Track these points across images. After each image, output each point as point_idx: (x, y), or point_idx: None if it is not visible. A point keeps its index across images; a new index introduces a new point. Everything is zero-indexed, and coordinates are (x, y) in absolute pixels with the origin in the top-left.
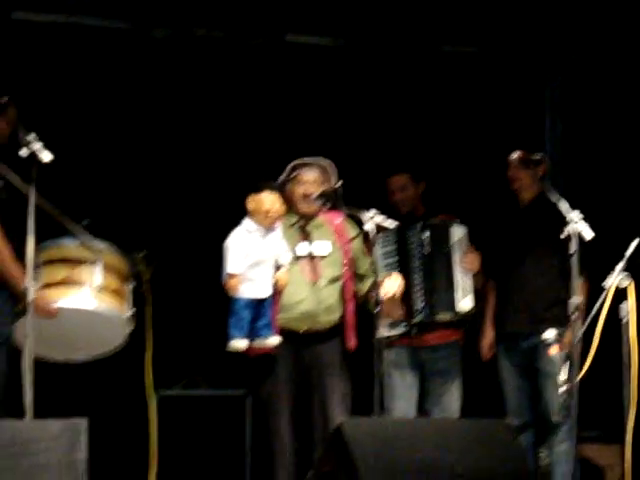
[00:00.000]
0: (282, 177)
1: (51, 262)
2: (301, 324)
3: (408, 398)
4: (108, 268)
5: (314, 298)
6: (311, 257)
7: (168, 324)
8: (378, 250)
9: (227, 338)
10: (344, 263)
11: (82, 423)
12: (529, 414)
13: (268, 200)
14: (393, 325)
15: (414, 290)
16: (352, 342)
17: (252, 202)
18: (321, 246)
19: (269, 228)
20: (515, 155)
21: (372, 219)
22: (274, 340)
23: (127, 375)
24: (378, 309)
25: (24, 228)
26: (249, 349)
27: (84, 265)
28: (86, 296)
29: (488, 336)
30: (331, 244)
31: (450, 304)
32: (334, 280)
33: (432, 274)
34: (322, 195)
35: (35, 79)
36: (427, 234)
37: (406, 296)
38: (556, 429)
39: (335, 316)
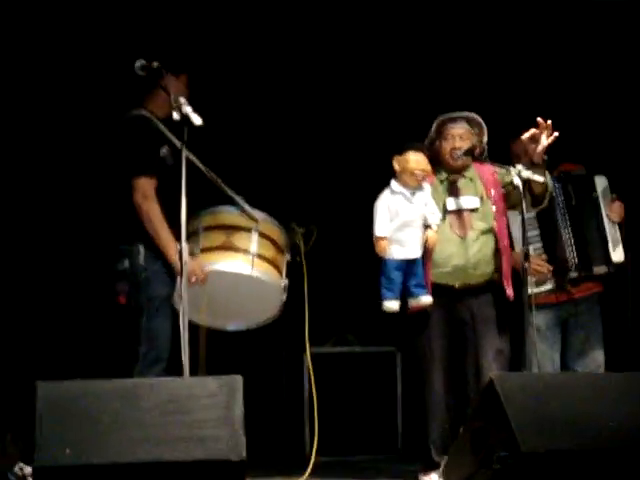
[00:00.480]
0: (431, 133)
1: (209, 228)
2: (454, 279)
3: (549, 358)
4: (265, 237)
5: (464, 253)
6: (460, 211)
7: (318, 282)
8: None
9: (379, 298)
10: (495, 215)
11: (238, 380)
12: None
13: (413, 160)
14: (539, 282)
15: (566, 244)
16: (509, 292)
17: (397, 163)
18: (470, 200)
19: (416, 188)
20: None
21: (520, 173)
22: (426, 299)
23: (282, 337)
24: (526, 265)
25: (189, 194)
26: (403, 307)
27: (242, 232)
28: (241, 261)
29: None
30: (480, 197)
31: (605, 256)
32: (485, 233)
33: (581, 227)
34: (468, 150)
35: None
36: (572, 186)
37: (559, 250)
38: None
39: (488, 269)
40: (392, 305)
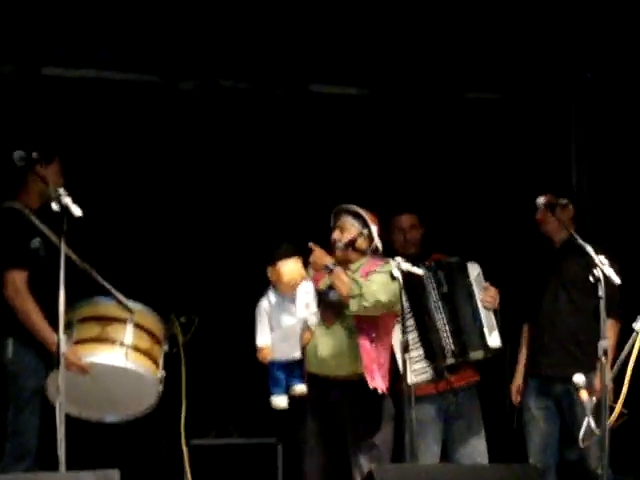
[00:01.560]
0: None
1: (84, 320)
2: (321, 369)
3: (432, 451)
4: (141, 328)
5: (328, 344)
6: (330, 304)
7: (199, 373)
8: None
9: (267, 393)
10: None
11: (114, 475)
12: (552, 458)
13: (286, 270)
14: (420, 372)
15: (440, 332)
16: (372, 385)
17: (271, 273)
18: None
19: (294, 293)
20: (542, 199)
21: (399, 266)
22: (300, 388)
23: (160, 428)
24: (406, 356)
25: (52, 281)
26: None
27: (116, 323)
28: (117, 353)
29: (518, 380)
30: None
31: (481, 342)
32: (349, 328)
33: (456, 313)
34: (349, 243)
35: (64, 134)
36: (443, 273)
37: (430, 339)
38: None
39: (349, 363)
40: (280, 401)
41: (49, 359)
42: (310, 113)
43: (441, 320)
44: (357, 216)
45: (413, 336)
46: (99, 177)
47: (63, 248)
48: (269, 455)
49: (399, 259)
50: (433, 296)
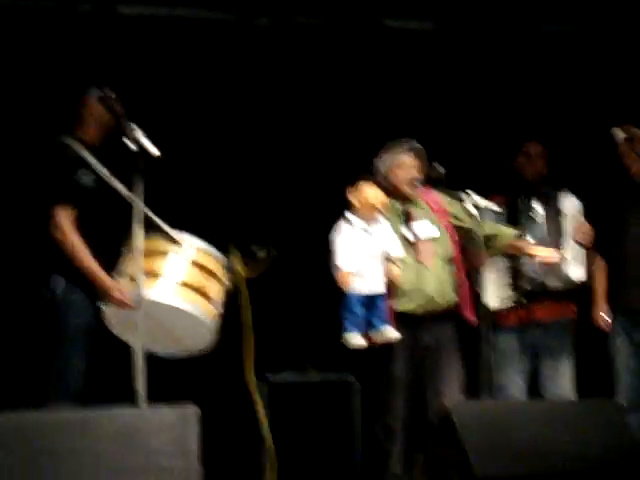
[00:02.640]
0: (384, 162)
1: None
2: (418, 307)
3: (517, 385)
4: (193, 263)
5: (430, 281)
6: (421, 240)
7: (276, 311)
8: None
9: (343, 331)
10: (453, 242)
11: (194, 411)
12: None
13: (371, 193)
14: (502, 298)
15: (523, 257)
16: (473, 319)
17: (355, 197)
18: (430, 229)
19: (374, 221)
20: (619, 132)
21: (471, 198)
22: (391, 334)
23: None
24: (482, 290)
25: (111, 220)
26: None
27: (164, 258)
28: (160, 288)
29: (601, 307)
30: (437, 226)
31: (560, 272)
32: (447, 261)
33: (543, 241)
34: (427, 179)
35: (139, 73)
36: (540, 201)
37: (515, 265)
38: None
39: (450, 297)
40: (358, 340)
41: (97, 297)
42: (383, 48)
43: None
44: (421, 152)
45: (505, 264)
46: (175, 115)
47: (140, 187)
48: (346, 392)
49: (473, 194)
50: (525, 223)
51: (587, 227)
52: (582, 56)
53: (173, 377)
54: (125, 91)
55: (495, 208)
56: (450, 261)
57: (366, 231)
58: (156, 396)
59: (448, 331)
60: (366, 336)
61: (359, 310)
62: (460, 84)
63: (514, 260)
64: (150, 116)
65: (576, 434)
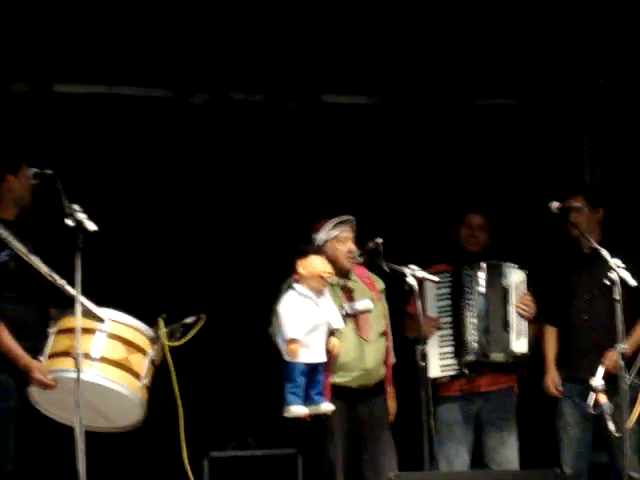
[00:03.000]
0: (321, 236)
1: (59, 332)
2: (356, 380)
3: (458, 454)
4: (114, 337)
5: (370, 355)
6: (359, 314)
7: (216, 385)
8: (432, 292)
9: (285, 402)
10: (384, 316)
11: None
12: (585, 464)
13: (319, 263)
14: (444, 367)
15: (467, 329)
16: (390, 388)
17: (304, 267)
18: (365, 302)
19: (320, 292)
20: (555, 204)
21: (414, 273)
22: (327, 407)
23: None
24: (423, 363)
25: (31, 296)
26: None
27: (86, 335)
28: (81, 365)
29: (552, 373)
30: (370, 299)
31: (504, 344)
32: (381, 335)
33: (486, 314)
34: (365, 251)
35: (76, 150)
36: (483, 273)
37: (458, 335)
38: None
39: (383, 370)
40: (299, 410)
41: (21, 378)
42: (323, 123)
43: (470, 318)
44: (353, 226)
45: (448, 333)
46: (111, 191)
47: (79, 263)
48: (289, 467)
49: (413, 267)
50: (468, 296)
51: (529, 299)
52: (520, 128)
53: (112, 456)
54: (62, 169)
55: (434, 279)
56: (382, 335)
57: (314, 301)
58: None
59: (380, 404)
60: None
61: (301, 380)
62: (399, 157)
63: (457, 329)
64: (87, 192)
65: None
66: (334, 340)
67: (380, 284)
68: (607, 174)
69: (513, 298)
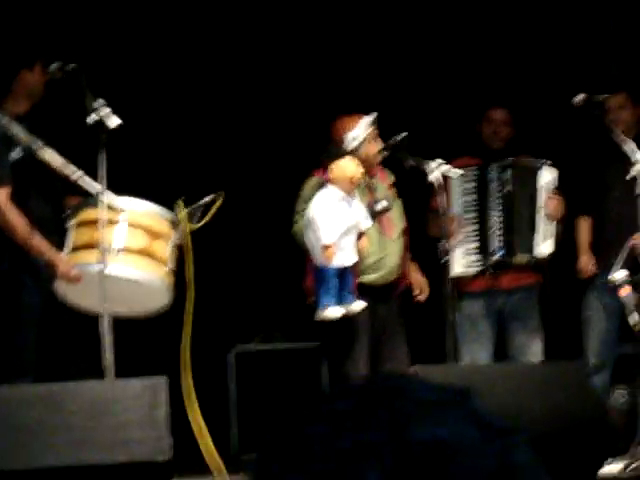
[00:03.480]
0: (355, 134)
1: (79, 224)
2: (381, 279)
3: (482, 348)
4: (135, 226)
5: (393, 253)
6: (383, 213)
7: (242, 280)
8: (457, 186)
9: (319, 305)
10: (404, 214)
11: (162, 381)
12: (609, 355)
13: (352, 166)
14: (468, 265)
15: (491, 228)
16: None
17: (335, 169)
18: (389, 201)
19: (351, 194)
20: (578, 99)
21: (438, 168)
22: (359, 305)
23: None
24: (447, 258)
25: (47, 191)
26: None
27: (106, 226)
28: (105, 258)
29: (586, 255)
30: (388, 196)
31: (529, 246)
32: (403, 232)
33: (512, 214)
34: (390, 146)
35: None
36: (509, 172)
37: (483, 232)
38: None
39: (402, 267)
40: (335, 312)
41: (43, 272)
42: (342, 9)
43: (496, 218)
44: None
45: (474, 228)
46: (121, 74)
47: (103, 159)
48: (313, 360)
49: (438, 161)
50: (495, 193)
51: (557, 200)
52: (544, 20)
53: (142, 349)
54: (85, 64)
55: (459, 172)
56: (402, 233)
57: (348, 203)
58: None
59: (398, 301)
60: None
61: (335, 283)
62: (419, 48)
63: (482, 226)
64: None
65: (541, 397)
66: (364, 241)
67: (392, 178)
68: (633, 64)
69: (542, 199)
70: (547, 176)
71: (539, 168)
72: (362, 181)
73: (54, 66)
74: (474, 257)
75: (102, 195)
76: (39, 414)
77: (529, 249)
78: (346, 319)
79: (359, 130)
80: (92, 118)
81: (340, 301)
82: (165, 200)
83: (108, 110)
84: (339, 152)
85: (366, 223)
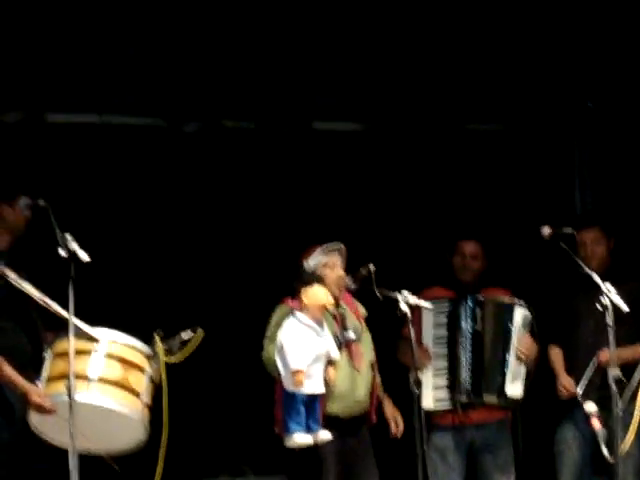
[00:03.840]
0: (311, 262)
1: (56, 356)
2: (347, 411)
3: None
4: (113, 358)
5: (362, 385)
6: (349, 344)
7: (211, 411)
8: (429, 319)
9: (286, 431)
10: (373, 346)
11: None
12: None
13: (323, 293)
14: (437, 400)
15: (460, 367)
16: (374, 418)
17: (308, 296)
18: (356, 330)
19: (320, 322)
20: (547, 230)
21: (406, 299)
22: (325, 435)
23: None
24: (418, 391)
25: (25, 325)
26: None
27: (82, 356)
28: (79, 388)
29: (565, 377)
30: (357, 327)
31: (499, 388)
32: (370, 365)
33: (482, 353)
34: (358, 278)
35: (69, 180)
36: (478, 311)
37: (452, 371)
38: None
39: (368, 400)
40: (304, 439)
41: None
42: (314, 150)
43: (465, 356)
44: (343, 252)
45: (444, 364)
46: (104, 221)
47: (72, 292)
48: None
49: (405, 292)
50: (465, 332)
51: (530, 343)
52: (510, 153)
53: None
54: (55, 198)
55: (428, 305)
56: (372, 366)
57: (316, 330)
58: None
59: (366, 434)
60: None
61: (302, 409)
62: (390, 183)
63: (452, 363)
64: (79, 221)
65: None
66: (331, 370)
67: (363, 310)
68: (598, 198)
69: (514, 339)
70: (522, 316)
71: (512, 307)
72: (331, 309)
73: (23, 202)
74: (443, 393)
75: (71, 328)
76: None
77: (498, 390)
78: (314, 452)
79: (316, 257)
80: (62, 253)
81: (307, 430)
82: (137, 331)
83: (77, 245)
84: (310, 279)
85: (335, 353)
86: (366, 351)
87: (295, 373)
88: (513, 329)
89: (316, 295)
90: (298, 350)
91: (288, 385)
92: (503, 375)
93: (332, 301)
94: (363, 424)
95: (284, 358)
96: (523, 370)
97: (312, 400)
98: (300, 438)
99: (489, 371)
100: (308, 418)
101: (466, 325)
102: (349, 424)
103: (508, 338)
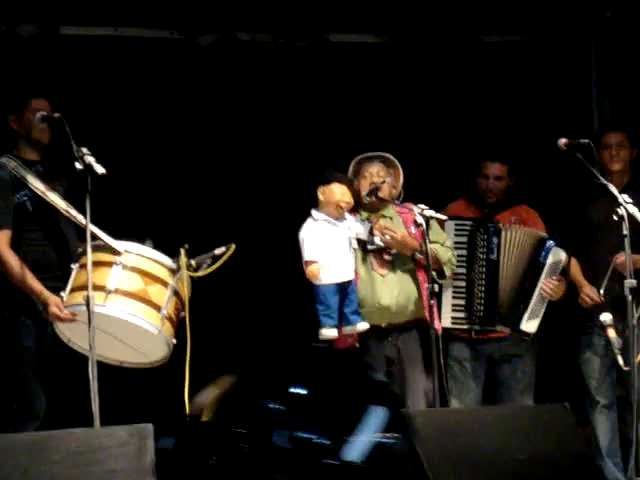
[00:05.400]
0: (349, 173)
1: (81, 267)
2: (380, 318)
3: (470, 390)
4: (132, 269)
5: (387, 293)
6: (380, 251)
7: (240, 323)
8: (451, 234)
9: (319, 325)
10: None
11: (148, 428)
12: (614, 392)
13: (338, 191)
14: (455, 320)
15: (476, 294)
16: (438, 327)
17: (322, 193)
18: (378, 239)
19: (339, 217)
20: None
21: (423, 212)
22: (363, 326)
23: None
24: (433, 302)
25: (53, 235)
26: (338, 337)
27: (103, 268)
28: (97, 299)
29: (587, 286)
30: (402, 235)
31: (515, 322)
32: (405, 272)
33: (496, 283)
34: (372, 191)
35: (83, 93)
36: (498, 240)
37: (469, 293)
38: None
39: (413, 308)
40: (331, 332)
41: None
42: (330, 63)
43: (479, 283)
44: (389, 163)
45: (462, 285)
46: (119, 134)
47: (88, 205)
48: None
49: (422, 206)
50: (480, 259)
51: (558, 284)
52: (524, 65)
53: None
54: (70, 112)
55: (442, 217)
56: (411, 272)
57: (330, 222)
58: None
59: (411, 342)
60: (338, 329)
61: (333, 301)
62: (406, 96)
63: (469, 286)
64: (95, 135)
65: (529, 439)
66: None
67: (420, 220)
68: (616, 108)
69: (542, 277)
70: (555, 256)
71: (547, 243)
72: (345, 207)
73: (38, 115)
74: (461, 314)
75: (88, 241)
76: (23, 463)
77: (513, 324)
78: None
79: (352, 167)
80: (79, 165)
81: (344, 320)
82: (168, 246)
83: (93, 158)
84: (329, 178)
85: (360, 229)
86: (399, 258)
87: (307, 264)
88: (544, 266)
89: (330, 192)
90: (310, 243)
91: (308, 277)
92: (523, 310)
93: (348, 200)
94: (406, 331)
95: (302, 251)
96: (543, 309)
97: (345, 290)
98: (327, 332)
99: (506, 302)
100: (346, 307)
101: (483, 253)
102: (385, 331)
103: (536, 274)
